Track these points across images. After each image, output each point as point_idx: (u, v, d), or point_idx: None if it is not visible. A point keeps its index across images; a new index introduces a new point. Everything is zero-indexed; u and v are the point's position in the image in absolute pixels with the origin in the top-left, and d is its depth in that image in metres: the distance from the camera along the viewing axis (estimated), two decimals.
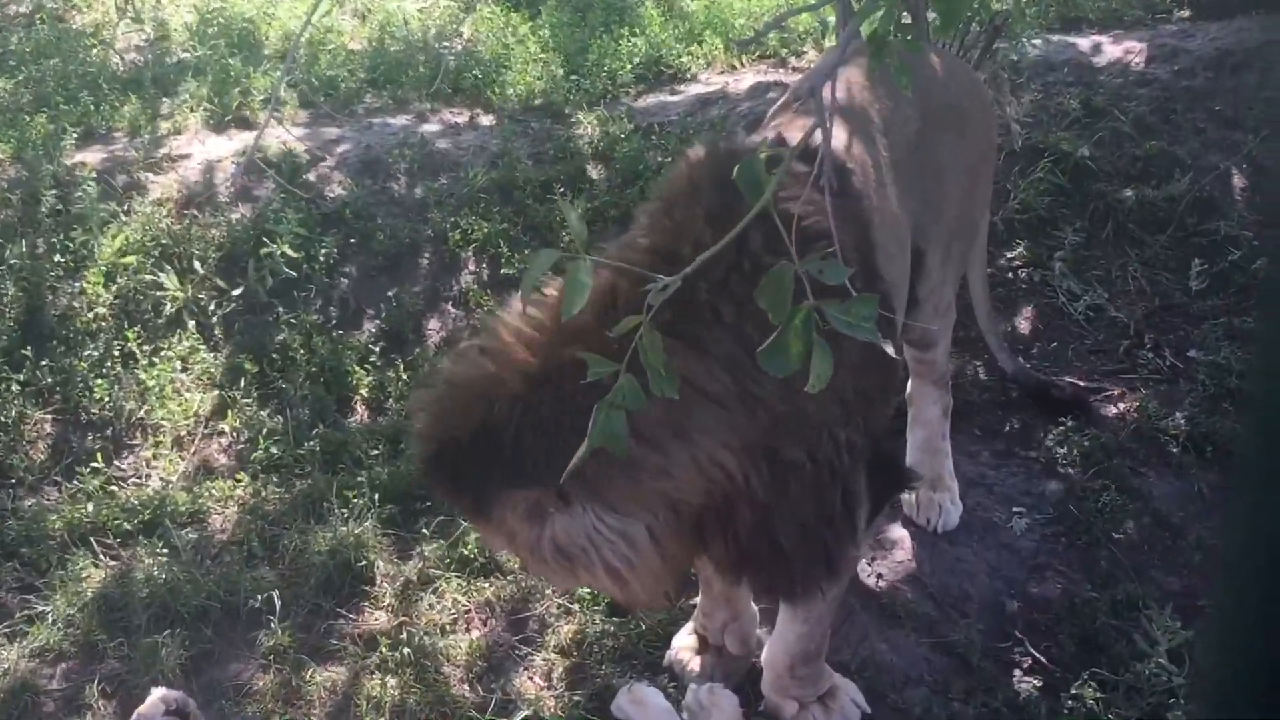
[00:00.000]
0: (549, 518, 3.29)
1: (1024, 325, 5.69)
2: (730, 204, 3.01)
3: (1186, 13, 7.16)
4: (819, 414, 3.29)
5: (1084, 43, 6.90)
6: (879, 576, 4.72)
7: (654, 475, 3.29)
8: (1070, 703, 4.31)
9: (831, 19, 6.54)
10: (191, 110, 6.69)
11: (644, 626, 4.45)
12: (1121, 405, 5.31)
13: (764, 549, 3.52)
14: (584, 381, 2.95)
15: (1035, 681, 4.43)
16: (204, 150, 6.41)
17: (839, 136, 3.72)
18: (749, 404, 3.29)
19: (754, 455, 3.35)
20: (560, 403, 3.20)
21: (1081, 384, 5.35)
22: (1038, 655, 4.49)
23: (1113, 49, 6.84)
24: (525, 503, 3.28)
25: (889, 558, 4.78)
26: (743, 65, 7.05)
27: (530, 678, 4.36)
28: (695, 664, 4.34)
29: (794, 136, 3.86)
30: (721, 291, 3.23)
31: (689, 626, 4.42)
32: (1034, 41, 6.65)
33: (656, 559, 3.43)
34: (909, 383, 4.82)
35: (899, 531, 4.86)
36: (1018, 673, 4.46)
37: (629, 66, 6.83)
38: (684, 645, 4.41)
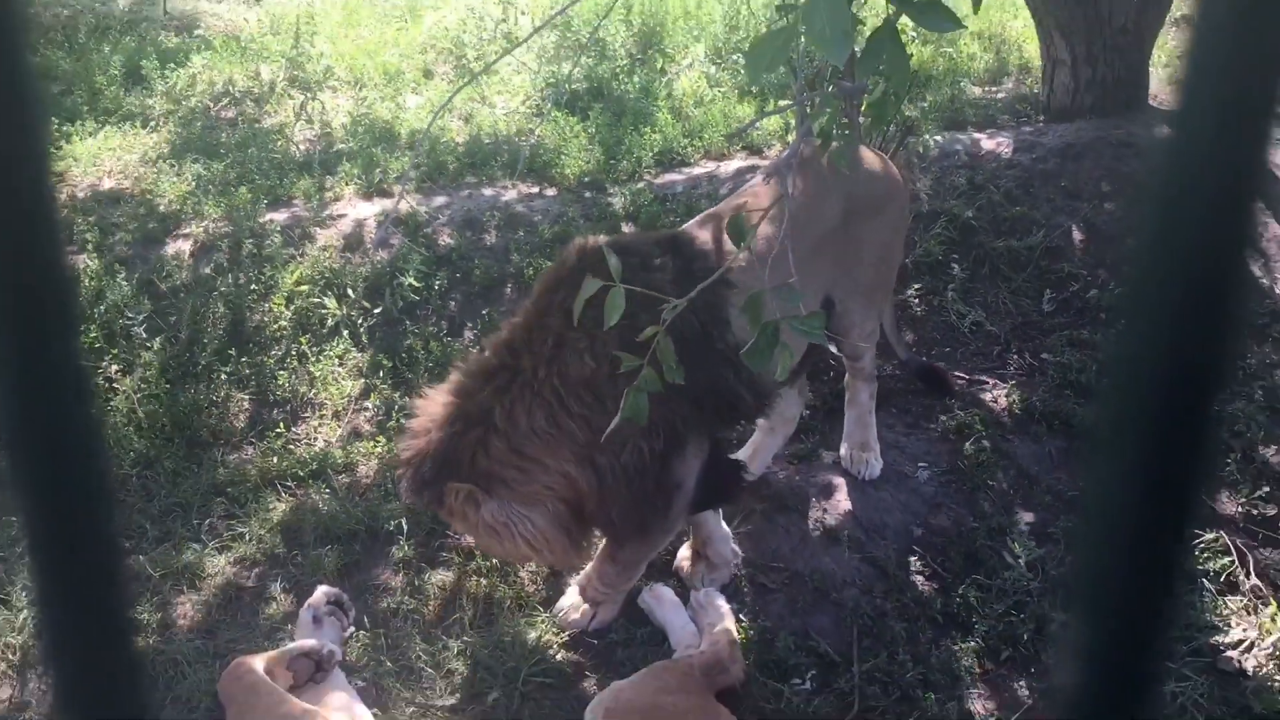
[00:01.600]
0: (482, 503, 3.60)
1: (927, 336, 5.67)
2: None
3: (1041, 118, 7.14)
4: (618, 434, 3.47)
5: (968, 139, 6.88)
6: (824, 511, 4.71)
7: (537, 480, 3.74)
8: (957, 599, 4.30)
9: (793, 120, 6.54)
10: (346, 184, 6.69)
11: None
12: (995, 392, 5.30)
13: (606, 519, 3.88)
14: (478, 423, 3.71)
15: (933, 585, 4.42)
16: (355, 212, 6.41)
17: (710, 232, 4.08)
18: (575, 434, 3.70)
19: (583, 464, 3.72)
20: (469, 432, 3.71)
21: (943, 367, 5.34)
22: (935, 566, 4.48)
23: (988, 143, 6.81)
24: (463, 492, 3.68)
25: (831, 499, 4.77)
26: (729, 154, 7.03)
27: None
28: (689, 568, 4.38)
29: (756, 205, 3.92)
30: (555, 366, 3.71)
31: (687, 544, 4.44)
32: (935, 138, 6.64)
33: (560, 534, 3.83)
34: (846, 376, 4.83)
35: (838, 480, 4.85)
36: (920, 579, 4.45)
37: (649, 154, 6.82)
38: (684, 556, 4.44)
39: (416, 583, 4.40)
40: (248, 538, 4.60)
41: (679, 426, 3.80)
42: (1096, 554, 0.65)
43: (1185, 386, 0.60)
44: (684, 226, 4.24)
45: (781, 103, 6.98)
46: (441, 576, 4.41)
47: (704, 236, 4.02)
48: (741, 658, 3.93)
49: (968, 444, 4.99)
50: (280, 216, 6.33)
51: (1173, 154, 0.57)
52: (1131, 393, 0.62)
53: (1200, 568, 4.37)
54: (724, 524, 4.42)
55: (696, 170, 6.82)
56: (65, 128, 7.34)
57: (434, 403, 3.87)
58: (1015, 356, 5.54)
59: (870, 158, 4.49)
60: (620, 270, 2.91)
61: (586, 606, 4.23)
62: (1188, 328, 0.59)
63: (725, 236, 4.00)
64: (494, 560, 4.43)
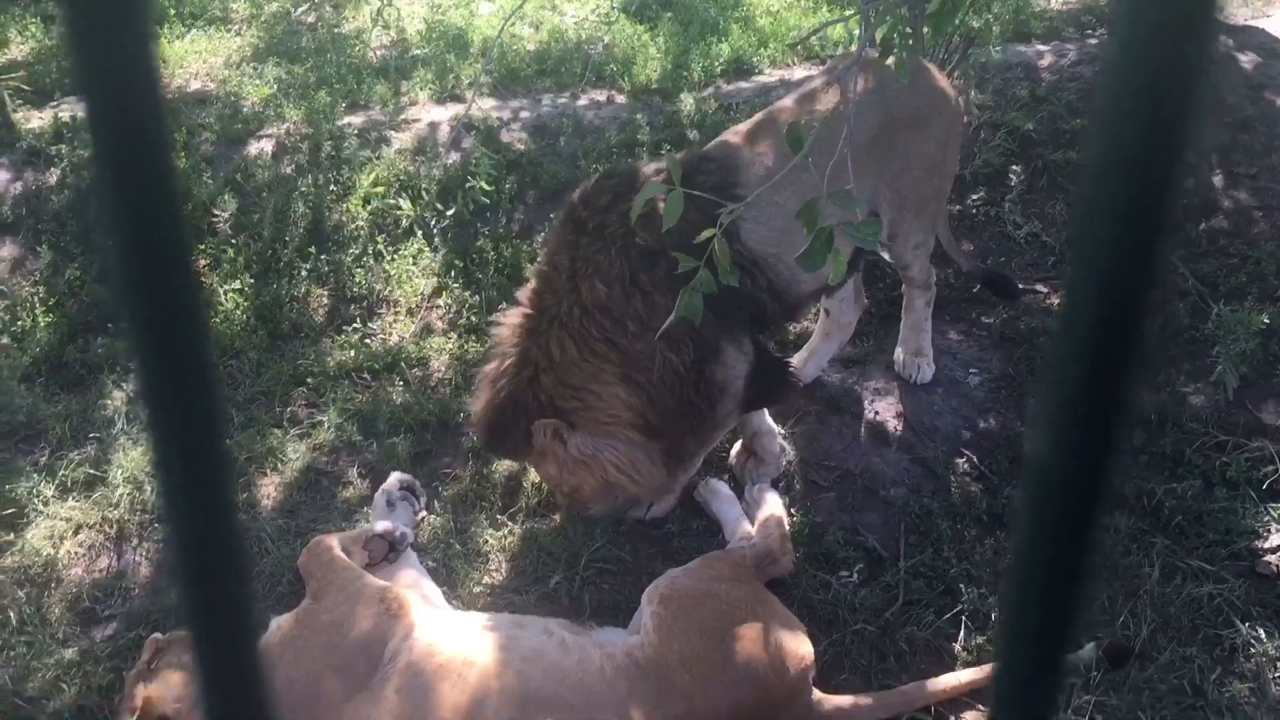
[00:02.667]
0: (568, 437, 3.71)
1: (983, 245, 5.61)
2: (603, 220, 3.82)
3: (1104, 30, 6.95)
4: (649, 351, 3.75)
5: (1031, 51, 6.73)
6: (876, 414, 4.73)
7: (597, 409, 3.88)
8: (1002, 500, 4.32)
9: (856, 30, 6.43)
10: (420, 89, 6.70)
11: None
12: (1048, 302, 5.25)
13: (664, 429, 3.96)
14: (527, 365, 3.88)
15: (980, 486, 4.44)
16: (429, 116, 6.43)
17: (736, 141, 4.19)
18: (607, 355, 3.84)
19: (626, 383, 3.85)
20: (521, 373, 3.88)
21: (1006, 274, 5.29)
22: (983, 469, 4.50)
23: (1051, 55, 6.66)
24: (549, 428, 3.80)
25: (883, 400, 4.79)
26: (794, 63, 6.94)
27: None
28: (739, 463, 4.45)
29: (819, 106, 3.92)
30: (575, 298, 3.85)
31: (740, 442, 4.49)
32: (996, 49, 6.50)
33: (643, 455, 3.96)
34: (903, 285, 4.81)
35: (891, 383, 4.86)
36: (968, 479, 4.47)
37: (718, 64, 6.76)
38: (735, 453, 4.49)
39: (484, 471, 4.50)
40: (326, 425, 4.71)
41: (706, 335, 3.84)
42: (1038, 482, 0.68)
43: (1122, 301, 0.62)
44: (721, 136, 4.25)
45: (847, 12, 6.86)
46: (508, 466, 4.50)
47: (721, 151, 4.05)
48: (791, 550, 4.00)
49: (1018, 351, 4.97)
50: (357, 120, 6.36)
51: (1114, 63, 0.59)
52: (1078, 317, 0.64)
53: (1243, 475, 4.35)
54: (770, 420, 4.47)
55: (765, 79, 6.75)
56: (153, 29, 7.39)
57: (489, 364, 4.06)
58: (1068, 267, 5.47)
59: (917, 77, 4.40)
60: (680, 170, 2.91)
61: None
62: (1125, 237, 0.61)
63: (745, 146, 4.01)
64: None
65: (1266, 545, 4.13)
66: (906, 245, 4.52)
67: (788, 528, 4.08)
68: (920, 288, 4.76)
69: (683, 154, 4.29)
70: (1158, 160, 0.59)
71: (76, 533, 4.30)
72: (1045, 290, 5.34)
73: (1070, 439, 0.66)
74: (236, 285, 5.35)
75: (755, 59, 6.92)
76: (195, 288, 0.66)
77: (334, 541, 3.78)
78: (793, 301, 4.14)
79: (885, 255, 4.68)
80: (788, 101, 4.23)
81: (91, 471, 4.52)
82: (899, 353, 4.88)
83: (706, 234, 2.90)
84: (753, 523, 4.10)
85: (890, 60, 3.49)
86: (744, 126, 4.19)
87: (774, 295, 4.00)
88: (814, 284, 4.10)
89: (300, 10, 7.96)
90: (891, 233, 4.40)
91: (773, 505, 4.16)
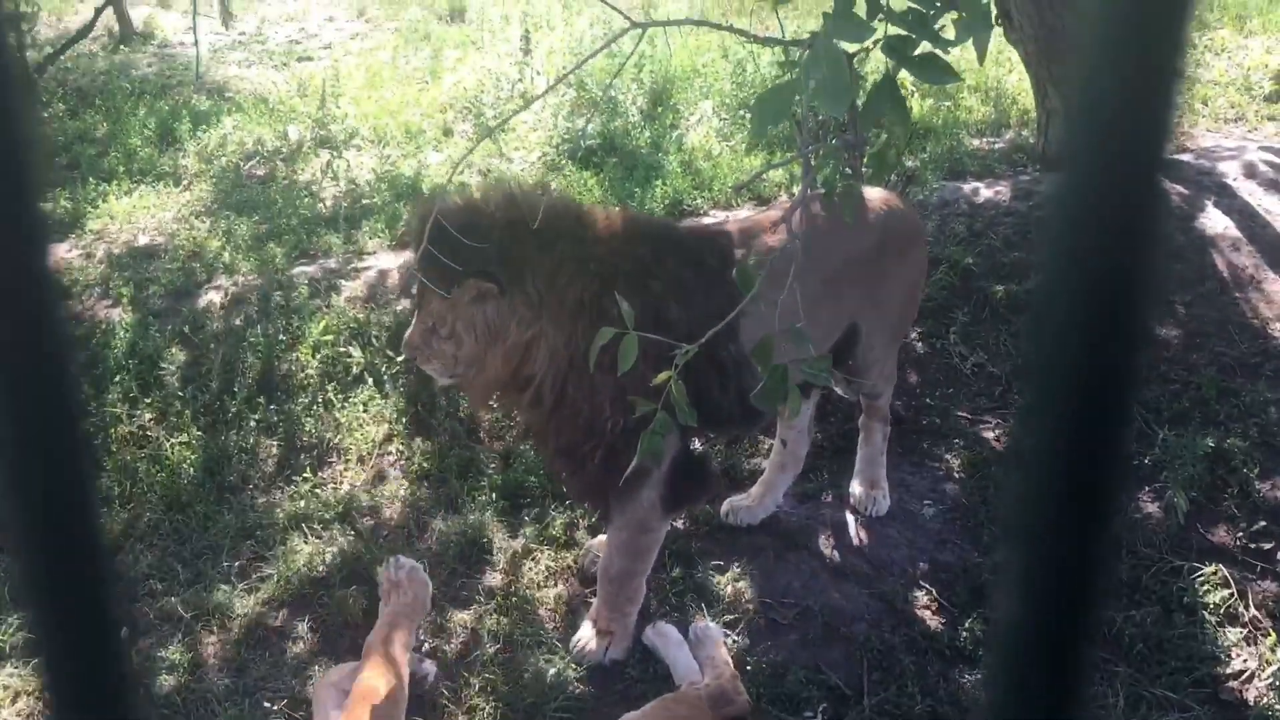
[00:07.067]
0: (490, 301, 3.62)
1: (930, 378, 5.66)
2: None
3: (1038, 166, 7.17)
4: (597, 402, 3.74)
5: (968, 187, 6.91)
6: (833, 548, 4.70)
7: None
8: (964, 632, 4.27)
9: (798, 172, 6.58)
10: (371, 237, 6.75)
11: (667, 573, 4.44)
12: (996, 431, 5.28)
13: (561, 455, 4.00)
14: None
15: (941, 619, 4.39)
16: (380, 263, 6.47)
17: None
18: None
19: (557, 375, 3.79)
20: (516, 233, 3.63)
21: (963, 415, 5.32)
22: (942, 601, 4.45)
23: (987, 191, 6.84)
24: (477, 290, 3.61)
25: (842, 535, 4.75)
26: (737, 204, 7.08)
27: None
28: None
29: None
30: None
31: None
32: (934, 186, 6.67)
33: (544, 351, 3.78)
34: (861, 415, 4.82)
35: (848, 517, 4.83)
36: (928, 613, 4.42)
37: (660, 206, 6.87)
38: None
39: (439, 621, 4.39)
40: (276, 579, 4.60)
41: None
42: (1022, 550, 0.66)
43: (1098, 387, 0.61)
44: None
45: (787, 155, 7.03)
46: (463, 615, 4.40)
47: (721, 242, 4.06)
48: (743, 688, 3.91)
49: (971, 481, 4.97)
50: (309, 269, 6.38)
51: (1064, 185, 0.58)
52: (1045, 394, 0.63)
53: (1200, 600, 4.34)
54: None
55: (706, 220, 6.86)
56: (102, 186, 7.43)
57: None
58: (1015, 397, 5.52)
59: (900, 203, 4.51)
60: (633, 316, 2.91)
61: (599, 638, 4.21)
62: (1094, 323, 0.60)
63: (742, 239, 4.03)
64: (514, 598, 4.43)
65: (1228, 671, 4.09)
66: (881, 372, 4.56)
67: (732, 664, 3.99)
68: (882, 420, 4.78)
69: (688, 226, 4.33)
70: (1107, 298, 0.59)
71: (15, 700, 4.13)
72: (993, 420, 5.37)
73: (1041, 571, 0.64)
74: (184, 438, 5.26)
75: (698, 200, 7.04)
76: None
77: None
78: (753, 416, 4.11)
79: (838, 389, 4.71)
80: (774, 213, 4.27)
81: (30, 635, 4.35)
82: (855, 486, 4.87)
83: (662, 377, 2.88)
84: (700, 663, 4.01)
85: (836, 197, 3.54)
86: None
87: (740, 405, 3.90)
88: (794, 419, 4.12)
89: (250, 164, 8.04)
90: (868, 359, 4.42)
91: (717, 642, 4.08)
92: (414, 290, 4.16)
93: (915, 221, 4.55)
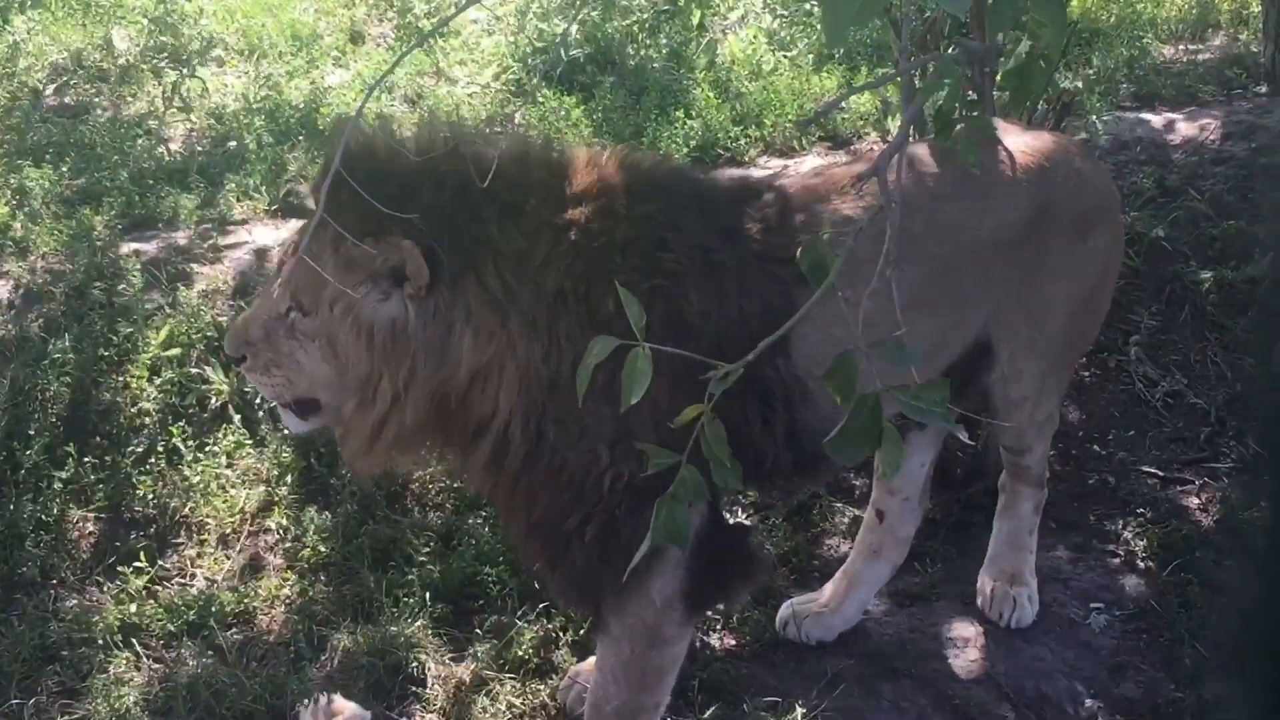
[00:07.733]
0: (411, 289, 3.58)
1: (1099, 413, 5.64)
2: None
3: (1263, 88, 7.14)
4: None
5: (1157, 120, 6.90)
6: (951, 677, 4.67)
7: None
8: None
9: (896, 98, 6.55)
10: (240, 198, 6.74)
11: None
12: (1202, 496, 5.25)
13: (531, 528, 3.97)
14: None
15: None
16: (254, 238, 6.46)
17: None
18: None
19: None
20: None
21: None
22: None
23: (1187, 126, 6.83)
24: (392, 260, 3.58)
25: (961, 655, 4.73)
26: (803, 147, 7.06)
27: None
28: None
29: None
30: None
31: None
32: (1105, 119, 6.65)
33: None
34: (1003, 476, 4.79)
35: (971, 628, 4.81)
36: None
37: (685, 150, 6.85)
38: None
39: None
40: None
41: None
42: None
43: None
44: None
45: (878, 72, 7.02)
46: None
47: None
48: None
49: (1164, 574, 4.94)
50: (144, 248, 6.36)
51: None
52: None
53: None
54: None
55: (754, 172, 6.85)
56: None
57: None
58: (1233, 442, 5.49)
59: (1077, 153, 4.47)
60: (642, 314, 2.88)
61: None
62: None
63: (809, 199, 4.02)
64: None
65: None
66: (1033, 416, 4.50)
67: None
68: (1034, 484, 4.75)
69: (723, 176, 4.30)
70: None
71: None
72: (1196, 481, 5.34)
73: None
74: None
75: (741, 141, 7.02)
76: None
77: None
78: (814, 466, 4.10)
79: (961, 435, 4.67)
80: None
81: None
82: (985, 579, 4.84)
83: (688, 414, 2.85)
84: None
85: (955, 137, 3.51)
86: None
87: (791, 443, 3.90)
88: (889, 475, 4.09)
89: (53, 88, 8.05)
90: (1010, 394, 4.38)
91: None
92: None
93: (1101, 183, 4.47)
